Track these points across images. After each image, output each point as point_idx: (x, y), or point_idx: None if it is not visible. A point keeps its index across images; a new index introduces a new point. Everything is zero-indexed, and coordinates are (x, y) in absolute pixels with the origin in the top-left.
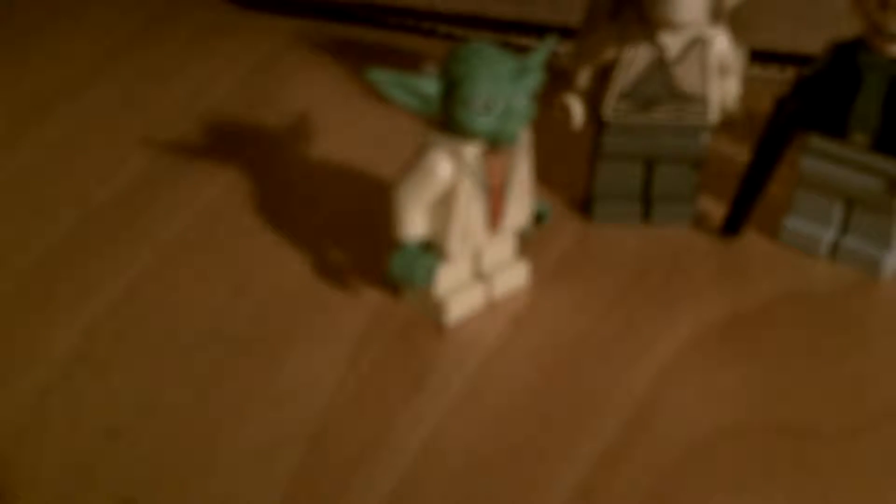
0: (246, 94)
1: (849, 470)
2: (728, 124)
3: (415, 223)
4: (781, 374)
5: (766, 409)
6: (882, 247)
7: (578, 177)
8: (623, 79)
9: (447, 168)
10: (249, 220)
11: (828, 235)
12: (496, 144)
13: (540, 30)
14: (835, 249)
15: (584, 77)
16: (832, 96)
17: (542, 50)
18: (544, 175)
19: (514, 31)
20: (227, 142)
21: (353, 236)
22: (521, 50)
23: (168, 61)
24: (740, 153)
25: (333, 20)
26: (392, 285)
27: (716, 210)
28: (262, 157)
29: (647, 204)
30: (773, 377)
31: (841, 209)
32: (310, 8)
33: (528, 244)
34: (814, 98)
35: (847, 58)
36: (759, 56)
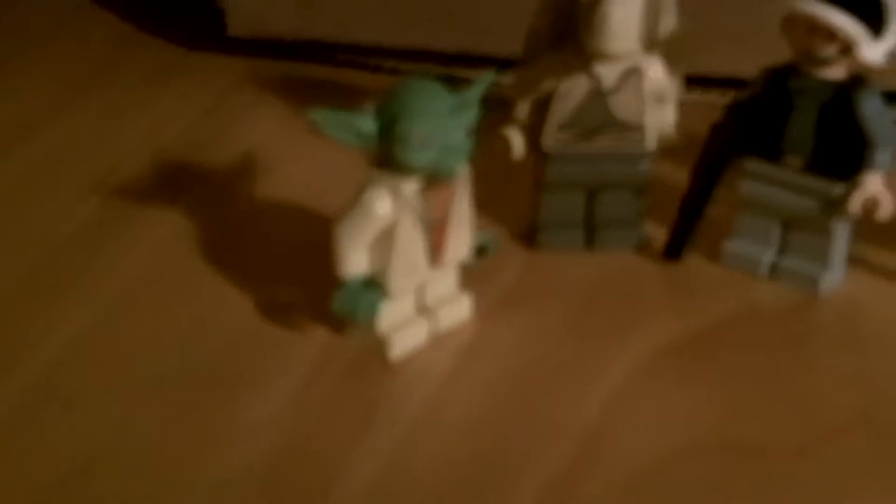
0: (196, 134)
1: (800, 487)
2: (671, 149)
3: (356, 260)
4: (731, 394)
5: (717, 430)
6: (820, 266)
7: (524, 207)
8: (562, 109)
9: (386, 205)
10: (199, 260)
11: (767, 256)
12: (435, 179)
13: (487, 62)
14: (775, 270)
15: (523, 109)
16: (766, 120)
17: (480, 85)
18: (490, 206)
19: (460, 64)
20: (178, 182)
21: (304, 273)
22: (469, 83)
23: (118, 104)
24: (686, 177)
25: (282, 58)
26: (340, 321)
27: (659, 235)
28: (212, 197)
29: (592, 231)
30: (722, 398)
31: (779, 230)
32: (259, 47)
33: (474, 276)
34: (748, 122)
35: (779, 82)
36: (700, 81)
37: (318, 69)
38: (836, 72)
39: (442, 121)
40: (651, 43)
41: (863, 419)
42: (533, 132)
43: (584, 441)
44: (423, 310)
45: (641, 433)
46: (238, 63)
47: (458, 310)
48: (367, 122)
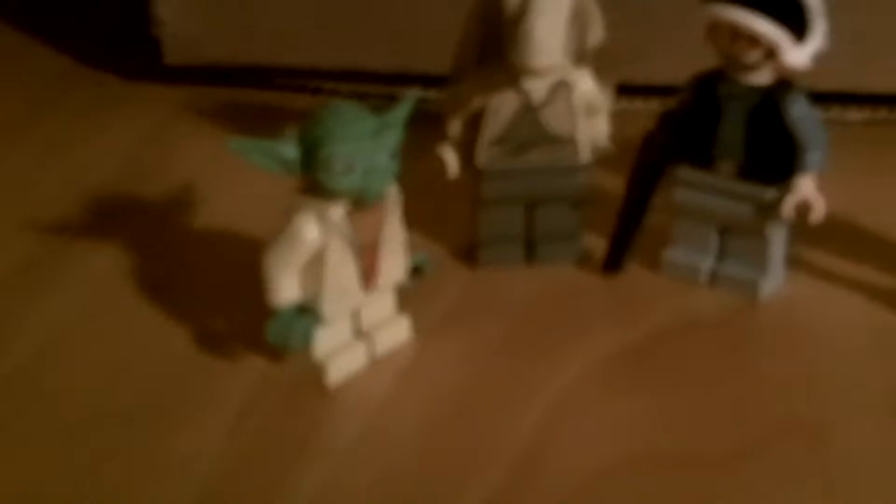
0: (134, 165)
1: (737, 494)
2: (608, 159)
3: (287, 287)
4: (670, 402)
5: (655, 440)
6: (758, 270)
7: (463, 225)
8: (493, 125)
9: (313, 230)
10: (135, 293)
11: (706, 263)
12: (362, 203)
13: (424, 80)
14: (714, 277)
15: (456, 126)
16: (697, 127)
17: (402, 105)
18: (430, 225)
19: (398, 84)
20: (113, 216)
21: (240, 302)
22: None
23: (56, 139)
24: (623, 188)
25: (221, 85)
26: (275, 350)
27: (600, 246)
28: (149, 229)
29: (531, 246)
30: (660, 407)
31: (717, 237)
32: (198, 74)
33: (412, 297)
34: (679, 130)
35: (707, 89)
36: (633, 90)
37: (256, 94)
38: (762, 76)
39: (364, 144)
40: (579, 55)
41: (798, 423)
42: (467, 149)
43: (524, 457)
44: (360, 334)
45: (581, 446)
46: (177, 92)
47: (396, 332)
48: (289, 149)
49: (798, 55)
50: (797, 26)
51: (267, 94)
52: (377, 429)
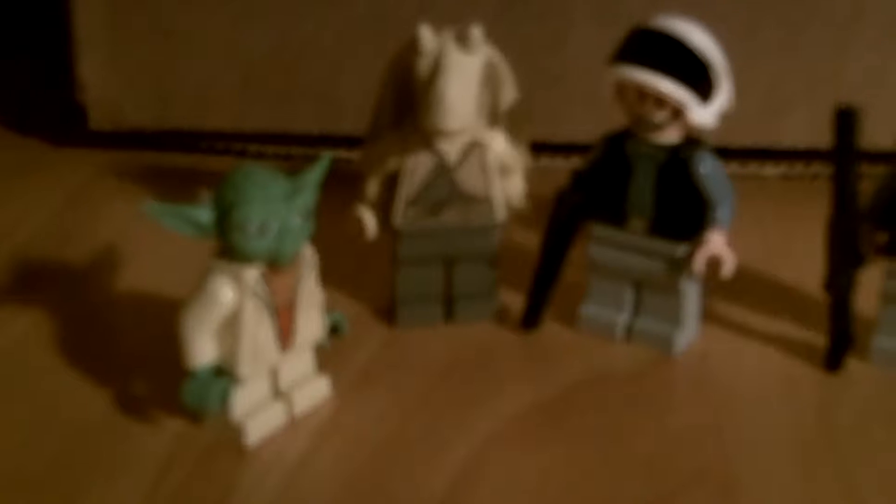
0: (55, 230)
1: None
2: (524, 217)
3: (202, 350)
4: (583, 457)
5: (565, 496)
6: (673, 325)
7: (383, 284)
8: (408, 186)
9: (228, 293)
10: (51, 358)
11: (622, 319)
12: (276, 264)
13: (348, 141)
14: (630, 332)
15: (372, 187)
16: (608, 186)
17: (316, 168)
18: (349, 284)
19: (322, 145)
20: (32, 281)
21: (157, 364)
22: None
23: None
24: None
25: (147, 148)
26: (192, 411)
27: (519, 302)
28: (67, 293)
29: (449, 304)
30: (574, 461)
31: (631, 292)
32: (123, 138)
33: (330, 356)
34: (591, 188)
35: (617, 148)
36: (547, 147)
37: (180, 157)
38: (669, 135)
39: (277, 207)
40: (492, 116)
41: (708, 475)
42: (384, 209)
43: None
44: (279, 393)
45: (496, 502)
46: (101, 155)
47: (315, 391)
48: (202, 213)
49: (704, 114)
50: (702, 86)
51: (192, 157)
52: (294, 488)
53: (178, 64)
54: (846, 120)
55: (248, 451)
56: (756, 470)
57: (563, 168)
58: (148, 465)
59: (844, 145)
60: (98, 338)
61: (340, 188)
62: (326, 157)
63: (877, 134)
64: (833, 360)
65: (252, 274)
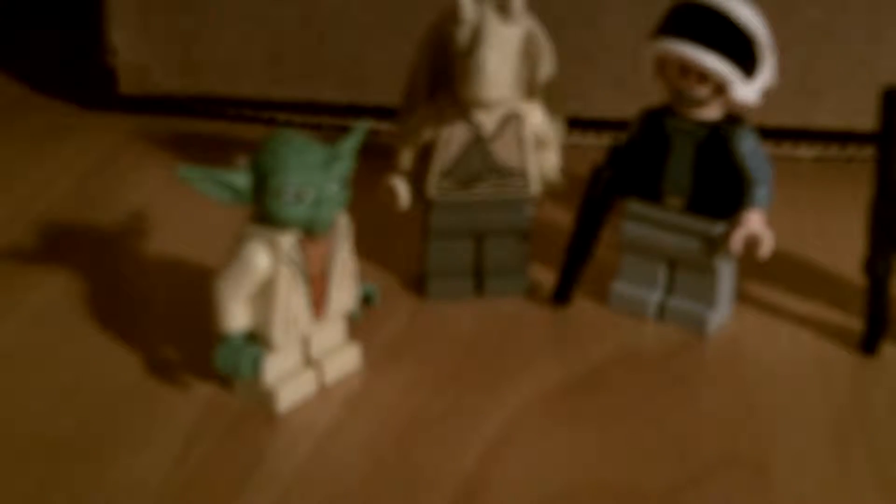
0: (83, 195)
1: None
2: (558, 193)
3: (236, 315)
4: (612, 435)
5: (593, 474)
6: (706, 305)
7: (412, 255)
8: (443, 158)
9: (264, 259)
10: (83, 321)
11: (654, 297)
12: (312, 232)
13: (375, 112)
14: (662, 310)
15: (406, 158)
16: (645, 162)
17: (352, 136)
18: (379, 255)
19: (350, 115)
20: (60, 245)
21: (188, 330)
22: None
23: (8, 166)
24: (572, 221)
25: (174, 114)
26: (223, 377)
27: (549, 279)
28: (96, 258)
29: (479, 278)
30: (603, 439)
31: (665, 271)
32: (152, 104)
33: (360, 326)
34: (628, 165)
35: (656, 124)
36: (583, 124)
37: (208, 124)
38: (710, 112)
39: (314, 174)
40: (530, 89)
41: (739, 457)
42: (417, 181)
43: (467, 486)
44: (310, 362)
45: (523, 477)
46: (130, 121)
47: (345, 360)
48: (239, 178)
49: (747, 91)
50: (746, 62)
51: (220, 125)
52: (323, 456)
53: (207, 30)
54: (892, 101)
55: (278, 419)
56: (788, 452)
57: (594, 145)
58: (178, 430)
59: (889, 127)
60: (127, 303)
61: (374, 159)
62: (363, 125)
63: None
64: (869, 343)
65: (288, 240)
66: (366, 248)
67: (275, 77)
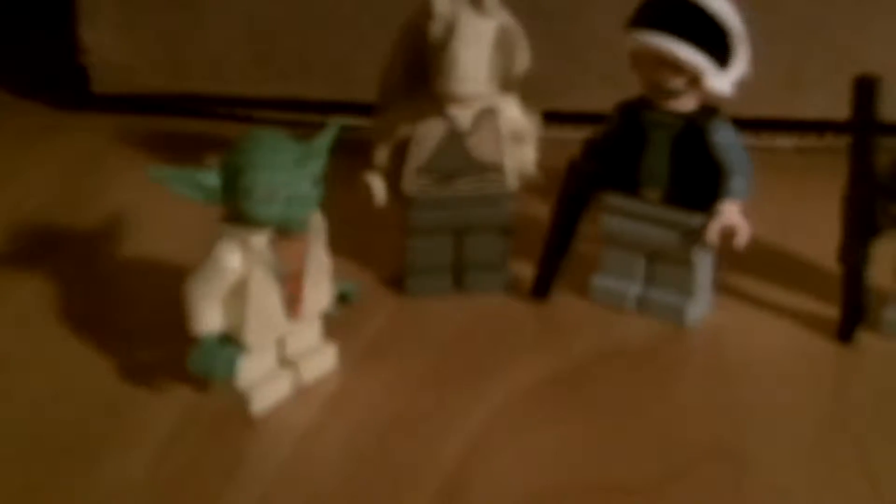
0: (68, 196)
1: None
2: (536, 187)
3: (209, 317)
4: (595, 430)
5: (579, 469)
6: (685, 297)
7: (394, 253)
8: (420, 153)
9: (236, 259)
10: (62, 324)
11: (634, 290)
12: (286, 231)
13: (355, 108)
14: (642, 303)
15: (383, 154)
16: (623, 155)
17: (327, 134)
18: (360, 253)
19: (335, 113)
20: (44, 246)
21: (166, 333)
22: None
23: None
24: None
25: (154, 113)
26: (201, 380)
27: (530, 274)
28: (79, 260)
29: (459, 274)
30: (585, 436)
31: (644, 263)
32: (128, 103)
33: (340, 325)
34: (605, 158)
35: (632, 117)
36: (560, 117)
37: (192, 123)
38: (686, 103)
39: (287, 172)
40: (506, 83)
41: (721, 450)
42: (394, 177)
43: (449, 485)
44: (286, 362)
45: (506, 474)
46: (108, 121)
47: (322, 361)
48: (210, 177)
49: (721, 82)
50: (720, 53)
51: (203, 123)
52: (303, 458)
53: (187, 28)
54: (866, 90)
55: (256, 421)
56: (771, 446)
57: (575, 138)
58: (157, 432)
59: (863, 115)
60: (107, 306)
61: (352, 156)
62: (337, 123)
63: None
64: (845, 332)
65: (260, 240)
66: (347, 247)
67: (259, 75)
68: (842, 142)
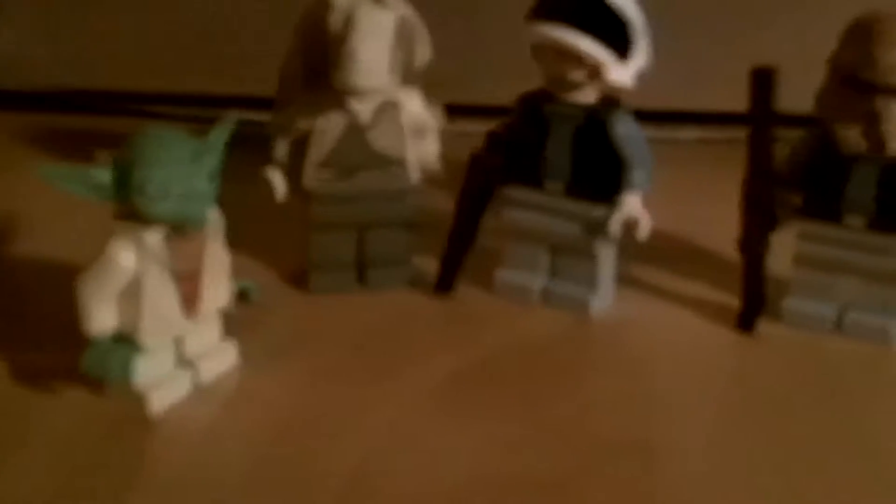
0: None
1: None
2: (439, 181)
3: (102, 316)
4: (502, 426)
5: (486, 465)
6: (588, 288)
7: (296, 250)
8: (320, 148)
9: (128, 257)
10: None
11: (537, 283)
12: (182, 229)
13: (259, 103)
14: (546, 296)
15: (283, 149)
16: (524, 148)
17: (221, 129)
18: (261, 250)
19: (233, 107)
20: None
21: (62, 335)
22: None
23: None
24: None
25: (49, 110)
26: (96, 381)
27: (435, 269)
28: None
29: (363, 270)
30: (493, 430)
31: (547, 256)
32: (27, 100)
33: (243, 324)
34: (508, 151)
35: (534, 109)
36: (462, 110)
37: (82, 119)
38: (587, 95)
39: (180, 168)
40: (406, 75)
41: (628, 443)
42: (294, 172)
43: (353, 484)
44: (185, 362)
45: (409, 475)
46: (12, 119)
47: (221, 359)
48: (100, 174)
49: (622, 74)
50: (621, 45)
51: (93, 119)
52: (204, 458)
53: (78, 23)
54: (762, 80)
55: (156, 422)
56: (676, 437)
57: (477, 131)
58: (52, 437)
59: (761, 107)
60: (0, 308)
61: (252, 151)
62: (232, 117)
63: (792, 97)
64: (746, 321)
65: (154, 238)
66: (248, 244)
67: (148, 69)
68: (743, 133)
